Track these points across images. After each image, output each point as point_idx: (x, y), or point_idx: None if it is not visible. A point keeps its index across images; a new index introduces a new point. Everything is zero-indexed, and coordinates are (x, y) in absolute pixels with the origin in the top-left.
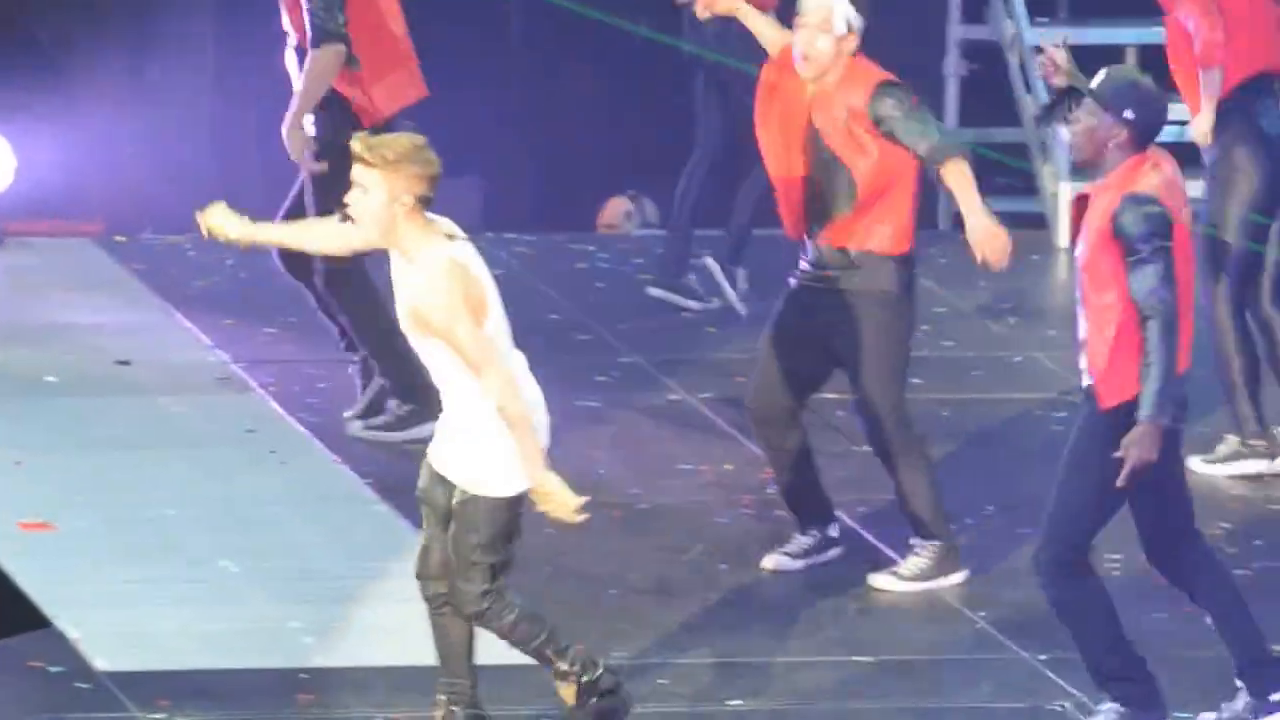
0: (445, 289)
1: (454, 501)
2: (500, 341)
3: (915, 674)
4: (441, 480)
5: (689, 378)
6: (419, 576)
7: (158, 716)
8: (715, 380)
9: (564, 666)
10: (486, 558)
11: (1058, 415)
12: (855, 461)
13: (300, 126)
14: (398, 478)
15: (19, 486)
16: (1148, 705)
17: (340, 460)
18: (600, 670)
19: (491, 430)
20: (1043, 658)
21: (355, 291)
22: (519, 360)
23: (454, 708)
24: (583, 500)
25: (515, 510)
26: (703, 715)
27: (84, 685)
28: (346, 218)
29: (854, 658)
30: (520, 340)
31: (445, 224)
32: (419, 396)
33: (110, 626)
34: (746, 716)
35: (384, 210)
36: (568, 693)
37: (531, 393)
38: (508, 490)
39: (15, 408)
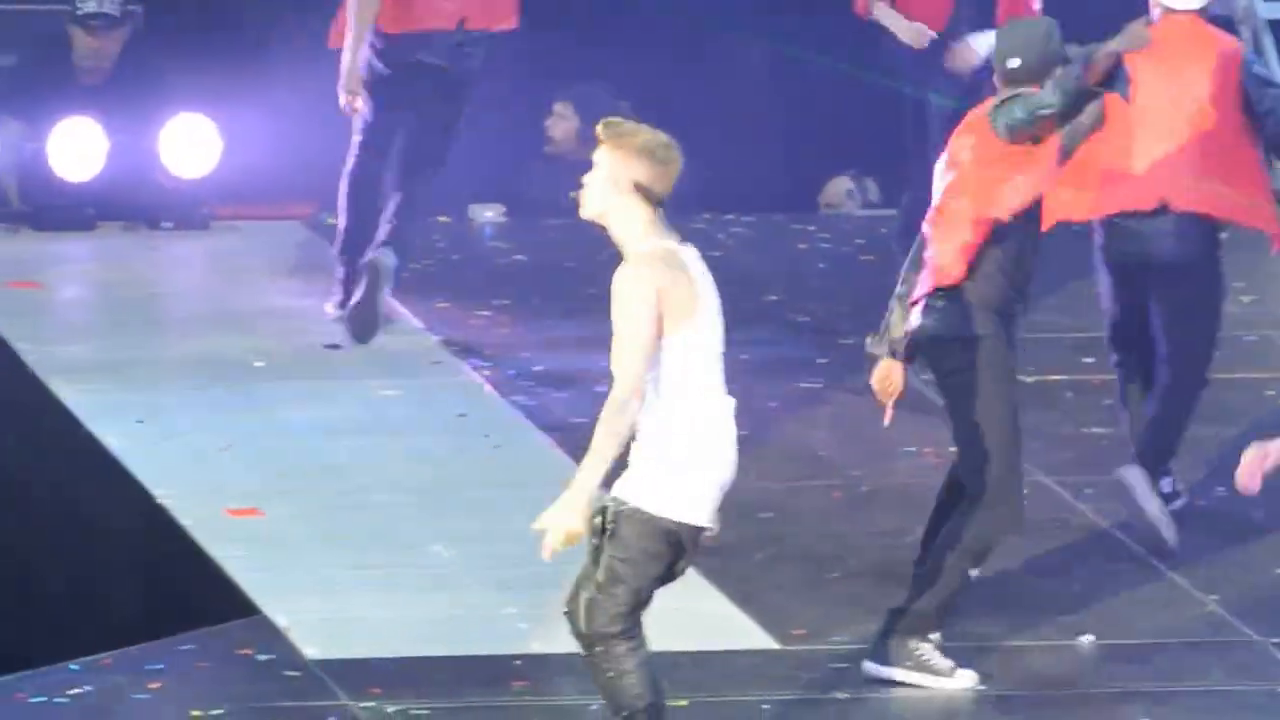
0: (621, 285)
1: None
2: (701, 356)
3: (1144, 658)
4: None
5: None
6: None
7: (369, 705)
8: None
9: None
10: (629, 578)
11: None
12: (1084, 443)
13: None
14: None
15: (227, 472)
16: None
17: (554, 444)
18: None
19: (666, 448)
20: (1275, 640)
21: None
22: (725, 404)
23: None
24: (551, 552)
25: (667, 539)
26: (929, 699)
27: (293, 674)
28: (576, 195)
29: (1082, 640)
30: (740, 322)
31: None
32: None
33: (320, 614)
34: (973, 699)
35: (603, 191)
36: None
37: (716, 434)
38: (660, 509)
39: (223, 393)
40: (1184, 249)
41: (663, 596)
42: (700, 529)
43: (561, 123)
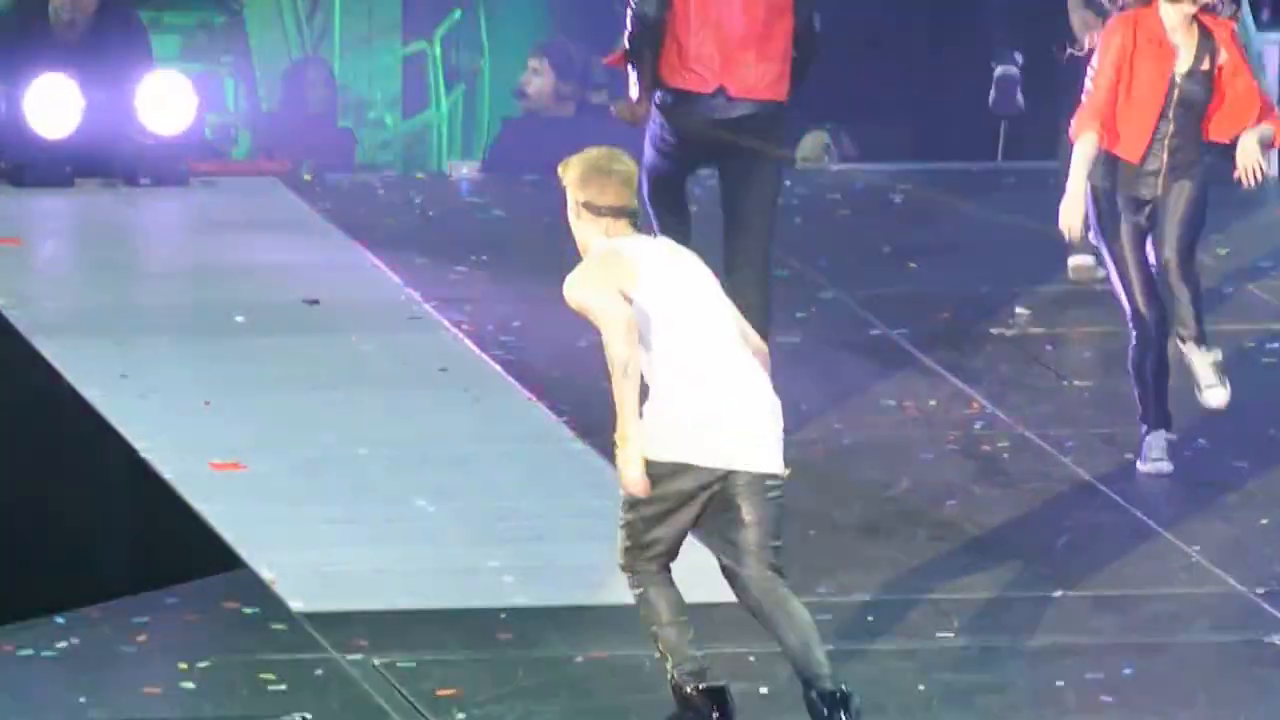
0: (581, 272)
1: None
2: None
3: (1128, 608)
4: None
5: (889, 313)
6: None
7: (355, 657)
8: (916, 315)
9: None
10: (624, 514)
11: (1270, 347)
12: (1067, 397)
13: None
14: (594, 416)
15: (209, 427)
16: None
17: (535, 399)
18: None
19: (656, 395)
20: (1260, 591)
21: None
22: (750, 362)
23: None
24: (644, 490)
25: (663, 482)
26: (913, 651)
27: (280, 626)
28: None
29: (1065, 593)
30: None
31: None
32: None
33: (305, 567)
34: (958, 651)
35: (571, 221)
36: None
37: (753, 390)
38: (650, 452)
39: (205, 347)
40: None
41: None
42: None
43: (535, 79)
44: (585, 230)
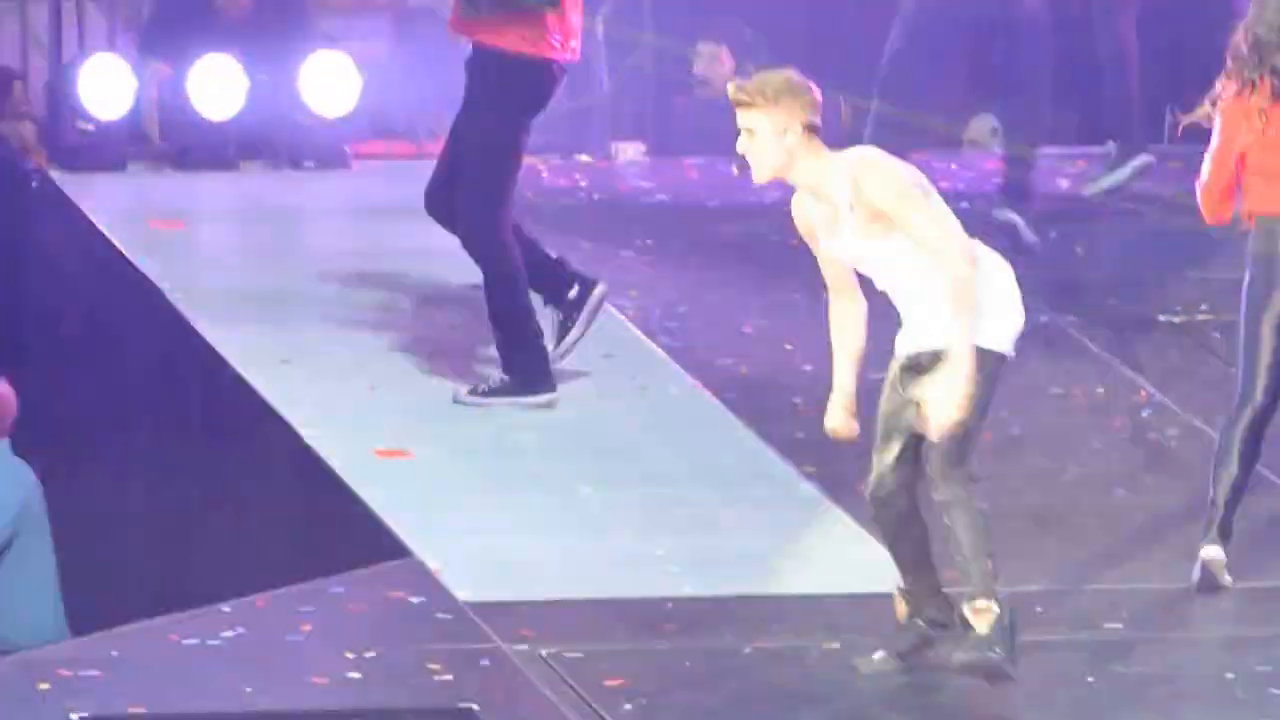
0: (885, 169)
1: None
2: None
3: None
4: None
5: (1057, 299)
6: (875, 495)
7: (521, 648)
8: (1085, 301)
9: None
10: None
11: None
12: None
13: None
14: (760, 404)
15: (374, 413)
16: None
17: (701, 385)
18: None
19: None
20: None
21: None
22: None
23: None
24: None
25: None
26: (1081, 644)
27: (445, 616)
28: (742, 167)
29: (1235, 583)
30: None
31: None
32: (525, 371)
33: (471, 556)
34: (1127, 643)
35: (775, 146)
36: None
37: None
38: (989, 343)
39: (367, 334)
40: None
41: (819, 540)
42: None
43: (716, 64)
44: (800, 154)
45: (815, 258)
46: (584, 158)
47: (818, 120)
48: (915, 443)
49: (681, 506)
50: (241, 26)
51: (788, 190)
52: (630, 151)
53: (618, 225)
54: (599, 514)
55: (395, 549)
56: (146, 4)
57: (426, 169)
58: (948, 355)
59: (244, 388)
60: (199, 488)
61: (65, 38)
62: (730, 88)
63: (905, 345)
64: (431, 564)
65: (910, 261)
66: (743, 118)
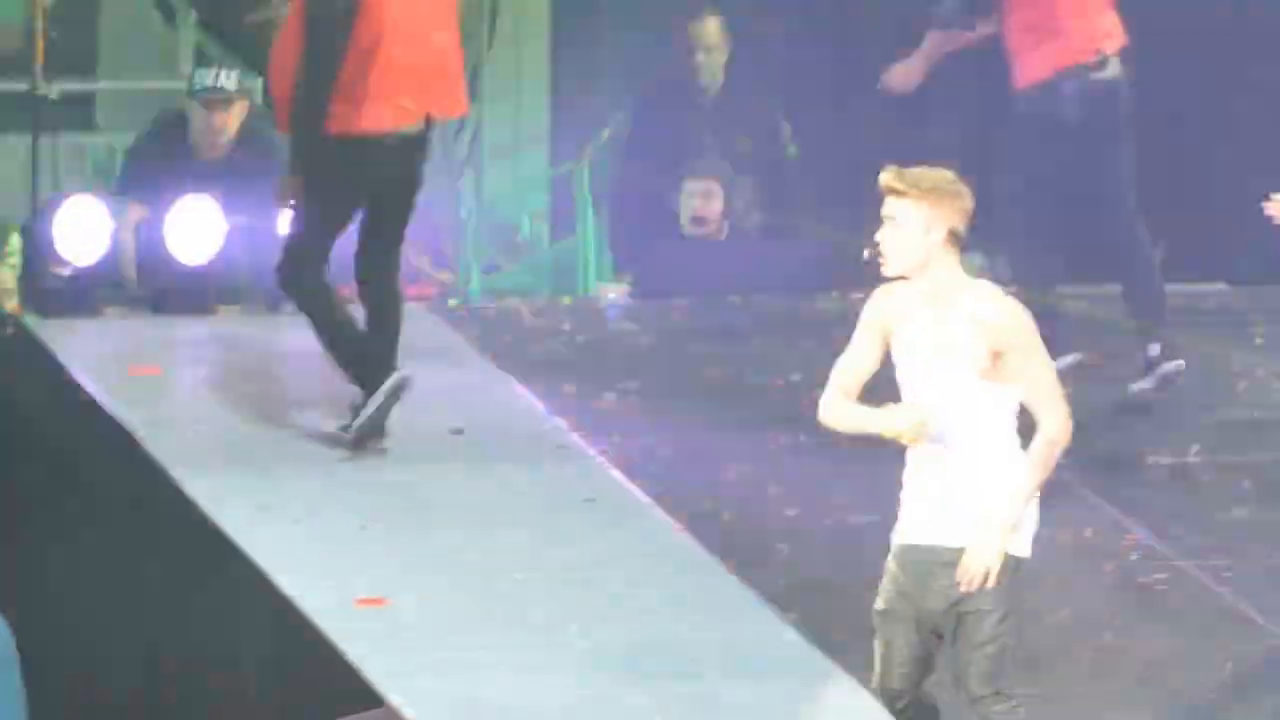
0: (1025, 318)
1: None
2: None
3: None
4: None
5: None
6: (887, 690)
7: None
8: (1075, 441)
9: None
10: (1011, 637)
11: None
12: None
13: None
14: (744, 546)
15: (354, 558)
16: None
17: (683, 529)
18: None
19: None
20: None
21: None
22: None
23: None
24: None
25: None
26: None
27: None
28: (874, 255)
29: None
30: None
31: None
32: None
33: (446, 697)
34: None
35: (919, 242)
36: None
37: None
38: (1016, 549)
39: (350, 476)
40: None
41: (802, 687)
42: None
43: (709, 202)
44: (939, 258)
45: (805, 398)
46: (566, 300)
47: (963, 229)
48: (922, 639)
49: (662, 650)
50: (219, 168)
51: (769, 332)
52: (613, 292)
53: (599, 369)
54: (580, 656)
55: (370, 699)
56: (126, 146)
57: (406, 310)
58: (995, 510)
59: (218, 535)
60: (171, 638)
61: (40, 183)
62: (886, 174)
63: (916, 535)
64: (408, 713)
65: (971, 406)
66: (890, 206)
